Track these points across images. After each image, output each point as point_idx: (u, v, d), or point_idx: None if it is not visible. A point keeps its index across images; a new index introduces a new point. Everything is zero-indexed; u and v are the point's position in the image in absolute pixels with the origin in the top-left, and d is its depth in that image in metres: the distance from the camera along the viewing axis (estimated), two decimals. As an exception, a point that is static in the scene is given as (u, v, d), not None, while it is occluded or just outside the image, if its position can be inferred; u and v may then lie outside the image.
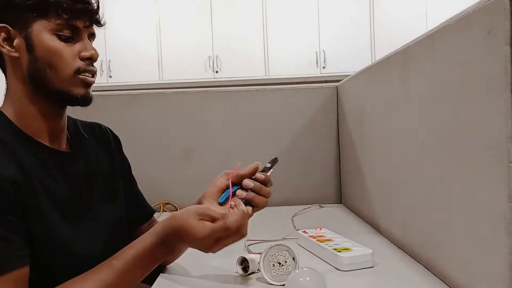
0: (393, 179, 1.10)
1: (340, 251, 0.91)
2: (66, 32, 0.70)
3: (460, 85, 0.71)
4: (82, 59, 0.72)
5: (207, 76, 4.18)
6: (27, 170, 0.67)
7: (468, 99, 0.69)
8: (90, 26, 0.74)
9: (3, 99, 0.75)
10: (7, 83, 0.74)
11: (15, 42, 0.70)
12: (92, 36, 0.76)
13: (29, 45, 0.69)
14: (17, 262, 0.61)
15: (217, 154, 1.71)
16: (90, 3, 0.73)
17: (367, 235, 1.20)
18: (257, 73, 4.16)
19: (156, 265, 0.73)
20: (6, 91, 0.74)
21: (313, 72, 4.16)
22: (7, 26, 0.69)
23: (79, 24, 0.71)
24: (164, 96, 1.74)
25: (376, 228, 1.24)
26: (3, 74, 0.75)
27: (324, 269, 0.88)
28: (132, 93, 1.73)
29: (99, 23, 0.76)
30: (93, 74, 0.74)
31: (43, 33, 0.69)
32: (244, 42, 4.17)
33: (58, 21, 0.69)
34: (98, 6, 0.75)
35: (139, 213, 0.97)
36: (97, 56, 0.73)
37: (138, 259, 0.69)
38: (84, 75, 0.72)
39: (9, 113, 0.72)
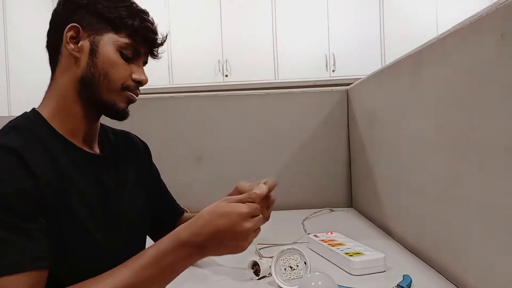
0: (405, 182, 1.09)
1: (352, 255, 0.90)
2: (129, 53, 0.75)
3: (473, 88, 0.71)
4: (134, 80, 0.77)
5: (217, 80, 4.20)
6: (60, 168, 0.69)
7: (482, 102, 0.68)
8: (149, 55, 0.81)
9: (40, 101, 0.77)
10: (52, 80, 0.77)
11: (81, 43, 0.74)
12: (145, 63, 0.83)
13: (93, 51, 0.74)
14: (38, 262, 0.61)
15: (227, 157, 1.72)
16: (158, 36, 0.79)
17: (379, 239, 1.19)
18: (267, 77, 4.17)
19: (181, 267, 0.68)
20: (49, 88, 0.76)
21: (323, 75, 4.14)
22: (79, 27, 0.74)
23: (143, 50, 0.78)
24: (174, 100, 1.75)
25: (388, 232, 1.23)
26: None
27: (335, 274, 0.87)
28: (143, 97, 1.74)
29: (156, 55, 0.82)
30: (137, 95, 0.81)
31: (110, 45, 0.74)
32: (253, 46, 4.18)
33: (126, 41, 0.74)
34: (163, 42, 0.81)
35: (170, 212, 1.01)
36: (147, 82, 0.80)
37: (156, 260, 0.65)
38: (131, 93, 0.77)
39: (45, 112, 0.74)
